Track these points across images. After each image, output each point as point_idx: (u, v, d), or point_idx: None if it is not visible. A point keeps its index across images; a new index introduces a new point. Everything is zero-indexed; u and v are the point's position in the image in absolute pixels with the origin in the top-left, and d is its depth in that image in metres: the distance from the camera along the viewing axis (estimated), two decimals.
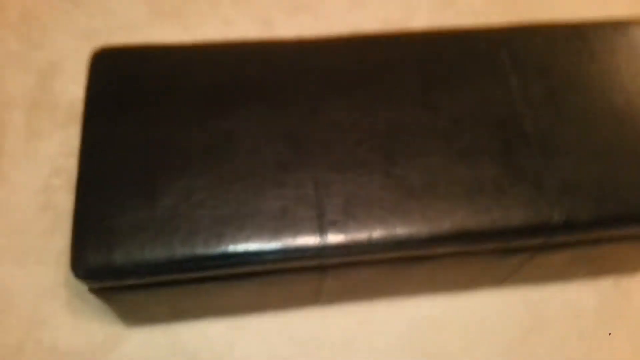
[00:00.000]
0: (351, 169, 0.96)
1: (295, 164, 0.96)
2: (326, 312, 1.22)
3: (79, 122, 1.35)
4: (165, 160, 0.95)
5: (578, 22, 1.21)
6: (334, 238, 0.92)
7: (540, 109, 1.06)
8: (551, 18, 1.23)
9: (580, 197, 0.98)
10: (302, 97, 1.03)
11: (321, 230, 0.92)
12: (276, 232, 0.91)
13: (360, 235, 0.92)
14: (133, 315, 1.10)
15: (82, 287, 1.16)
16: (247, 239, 0.90)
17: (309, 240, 0.91)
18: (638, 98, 1.09)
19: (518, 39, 1.16)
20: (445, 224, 0.94)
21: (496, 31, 1.17)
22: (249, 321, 1.19)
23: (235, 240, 0.90)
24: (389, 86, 1.06)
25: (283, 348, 1.18)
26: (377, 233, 0.93)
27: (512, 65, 1.11)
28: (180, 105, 1.01)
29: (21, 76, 1.48)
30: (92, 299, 1.14)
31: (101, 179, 0.93)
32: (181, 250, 0.88)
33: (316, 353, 1.18)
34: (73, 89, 1.46)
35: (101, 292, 0.94)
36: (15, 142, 1.38)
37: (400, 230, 0.93)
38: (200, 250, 0.89)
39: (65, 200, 1.31)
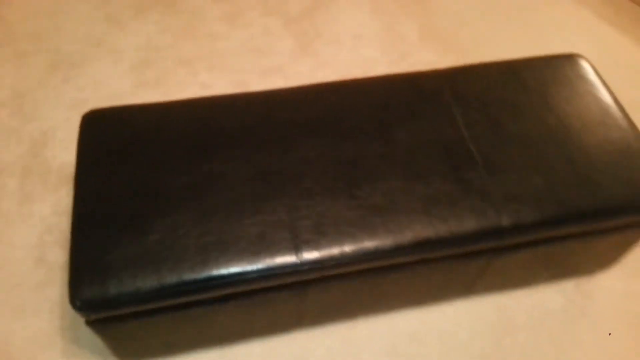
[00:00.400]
0: (319, 194, 1.09)
1: (270, 194, 1.08)
2: (310, 334, 1.29)
3: (70, 184, 1.48)
4: (152, 202, 1.06)
5: (509, 60, 1.39)
6: (309, 255, 1.02)
7: (482, 134, 1.21)
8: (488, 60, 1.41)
9: (523, 204, 1.11)
10: (274, 139, 1.17)
11: (296, 249, 1.02)
12: (256, 254, 1.01)
13: (332, 250, 1.03)
14: (127, 350, 1.17)
15: (77, 335, 1.24)
16: (230, 262, 1.00)
17: (286, 259, 1.02)
18: (566, 118, 1.25)
19: (459, 77, 1.34)
20: (407, 235, 1.06)
21: (439, 73, 1.35)
22: (238, 349, 1.26)
23: (219, 264, 1.00)
24: (350, 125, 1.21)
25: None
26: (347, 247, 1.04)
27: (455, 100, 1.28)
28: (164, 154, 1.13)
29: (14, 146, 1.60)
30: (87, 343, 1.22)
31: (94, 222, 1.03)
32: (170, 277, 0.98)
33: None
34: (63, 154, 1.58)
35: (97, 325, 1.02)
36: (10, 205, 1.48)
37: (368, 243, 1.05)
38: (188, 275, 0.98)
39: (57, 255, 1.39)
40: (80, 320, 1.22)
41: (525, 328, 1.34)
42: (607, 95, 1.31)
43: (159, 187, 1.09)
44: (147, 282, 0.97)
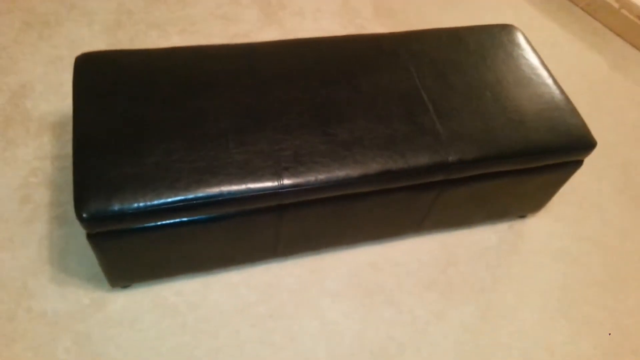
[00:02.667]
0: (296, 130, 1.25)
1: (252, 129, 1.23)
2: (283, 264, 1.46)
3: (52, 131, 1.57)
4: (146, 131, 1.19)
5: (456, 27, 1.61)
6: (288, 180, 1.18)
7: (433, 86, 1.41)
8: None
9: (466, 143, 1.32)
10: (255, 83, 1.32)
11: (277, 175, 1.18)
12: (243, 178, 1.16)
13: (308, 177, 1.20)
14: (118, 271, 1.28)
15: (65, 264, 1.34)
16: (220, 184, 1.14)
17: (268, 183, 1.17)
18: (502, 75, 1.47)
19: (413, 40, 1.54)
20: (372, 167, 1.24)
21: (397, 35, 1.54)
22: (219, 277, 1.41)
23: (211, 185, 1.14)
24: (321, 75, 1.38)
25: (248, 296, 1.40)
26: (321, 175, 1.21)
27: (410, 58, 1.47)
28: (154, 92, 1.26)
29: None
30: (74, 272, 1.32)
31: (94, 146, 1.15)
32: (167, 195, 1.11)
33: (276, 297, 1.41)
34: (44, 105, 1.66)
35: (98, 239, 1.14)
36: None
37: (338, 172, 1.22)
38: (183, 194, 1.12)
39: (43, 195, 1.48)
40: (68, 249, 1.34)
41: (465, 261, 1.56)
42: (536, 59, 1.55)
43: (151, 119, 1.21)
44: (147, 199, 1.10)
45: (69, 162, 1.54)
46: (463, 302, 1.48)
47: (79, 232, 1.34)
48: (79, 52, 1.83)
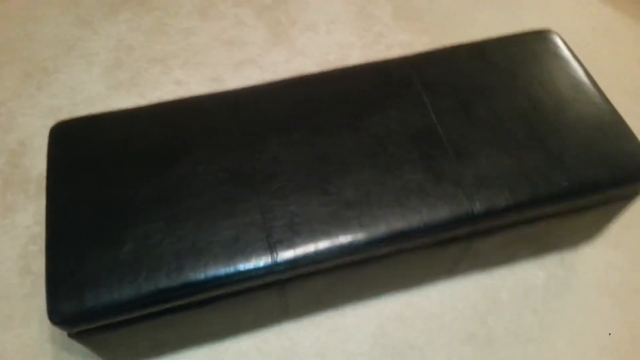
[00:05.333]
0: (291, 193, 1.09)
1: (241, 196, 1.09)
2: (297, 325, 1.32)
3: None
4: (122, 212, 1.07)
5: (477, 41, 1.38)
6: (284, 254, 1.04)
7: (452, 120, 1.21)
8: (463, 40, 1.40)
9: (494, 188, 1.12)
10: (243, 139, 1.17)
11: (271, 249, 1.04)
12: (231, 258, 1.02)
13: (307, 248, 1.04)
14: (116, 355, 1.19)
15: (68, 342, 1.25)
16: (205, 267, 1.01)
17: (261, 260, 1.03)
18: (537, 97, 1.25)
19: (427, 63, 1.33)
20: (381, 229, 1.07)
21: (408, 60, 1.34)
22: (228, 345, 1.29)
23: (195, 270, 1.01)
24: (319, 119, 1.21)
25: None
26: (322, 244, 1.05)
27: (424, 87, 1.27)
28: (132, 162, 1.13)
29: None
30: (78, 350, 1.23)
31: (67, 237, 1.04)
32: (146, 287, 0.99)
33: None
34: (42, 163, 1.58)
35: (80, 336, 1.04)
36: None
37: (342, 239, 1.06)
38: (164, 283, 1.00)
39: (43, 265, 1.40)
40: None
41: (508, 306, 1.37)
42: (578, 70, 1.31)
43: (128, 197, 1.09)
44: (124, 293, 0.98)
45: None
46: (507, 358, 1.29)
47: None
48: (77, 99, 1.76)
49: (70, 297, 0.97)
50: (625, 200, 1.24)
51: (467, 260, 1.28)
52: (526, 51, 1.35)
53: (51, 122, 1.66)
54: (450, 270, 1.33)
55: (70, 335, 1.03)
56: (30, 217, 1.48)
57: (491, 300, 1.38)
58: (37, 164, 1.58)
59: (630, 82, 1.82)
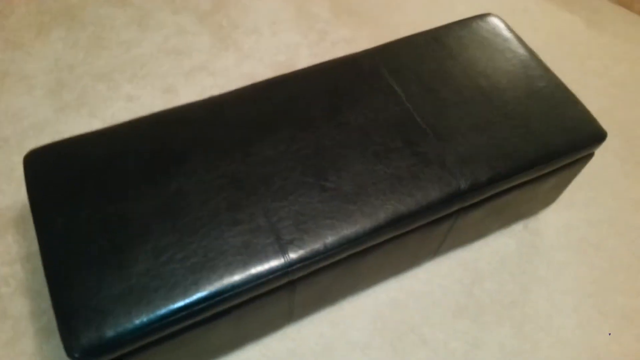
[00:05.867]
0: (292, 192, 1.11)
1: (243, 202, 1.09)
2: (299, 326, 1.33)
3: (15, 228, 1.39)
4: (124, 232, 1.03)
5: (431, 29, 1.47)
6: (295, 254, 1.05)
7: (423, 104, 1.28)
8: (408, 31, 1.48)
9: (476, 165, 1.20)
10: (231, 145, 1.17)
11: (282, 251, 1.05)
12: (245, 264, 1.02)
13: (316, 245, 1.07)
14: None
15: None
16: (221, 277, 1.01)
17: (273, 262, 1.04)
18: (494, 77, 1.35)
19: (390, 53, 1.39)
20: (381, 216, 1.12)
21: (372, 52, 1.40)
22: (233, 357, 1.28)
23: (211, 282, 1.00)
24: (302, 116, 1.23)
25: None
26: (329, 239, 1.08)
27: (392, 76, 1.33)
28: (122, 180, 1.10)
29: None
30: None
31: (69, 266, 0.99)
32: (165, 306, 0.97)
33: None
34: None
35: None
36: None
37: (347, 231, 1.09)
38: (182, 301, 0.98)
39: (20, 305, 1.32)
40: None
41: (489, 275, 1.47)
42: (523, 49, 1.43)
43: (127, 216, 1.06)
44: (143, 316, 0.96)
45: (40, 262, 1.37)
46: (497, 323, 1.39)
47: None
48: (23, 126, 1.65)
49: (88, 329, 0.93)
50: (581, 162, 1.37)
51: (452, 237, 1.35)
52: (474, 34, 1.45)
53: (0, 155, 1.56)
54: (435, 250, 1.41)
55: None
56: None
57: (473, 272, 1.47)
58: None
59: (558, 54, 2.00)
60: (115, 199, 1.07)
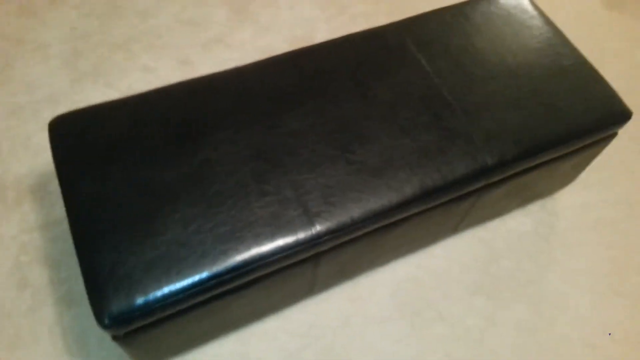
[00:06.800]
0: (318, 165, 1.10)
1: (270, 173, 1.08)
2: (319, 300, 1.34)
3: (32, 196, 1.39)
4: (152, 200, 1.03)
5: (457, 3, 1.44)
6: (322, 227, 1.05)
7: (452, 80, 1.27)
8: (426, 7, 1.45)
9: (503, 141, 1.19)
10: (257, 117, 1.15)
11: (310, 223, 1.04)
12: (273, 235, 1.02)
13: (343, 217, 1.06)
14: (149, 355, 1.15)
15: (85, 351, 1.20)
16: (250, 247, 1.00)
17: (301, 234, 1.04)
18: (520, 53, 1.33)
19: (416, 27, 1.37)
20: (408, 190, 1.11)
21: (398, 25, 1.37)
22: (254, 329, 1.29)
23: (240, 252, 1.00)
24: (327, 89, 1.22)
25: (290, 342, 1.28)
26: (356, 212, 1.07)
27: (418, 49, 1.32)
28: (149, 148, 1.09)
29: None
30: (100, 356, 1.18)
31: (97, 233, 0.99)
32: (194, 274, 0.97)
33: (320, 338, 1.30)
34: (15, 166, 1.46)
35: (125, 338, 0.99)
36: None
37: (374, 204, 1.09)
38: (211, 269, 0.98)
39: (40, 274, 1.32)
40: (83, 332, 1.20)
41: (505, 253, 1.47)
42: (549, 26, 1.41)
43: (154, 184, 1.05)
44: (173, 284, 0.96)
45: (59, 230, 1.37)
46: (513, 300, 1.40)
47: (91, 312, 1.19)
48: (39, 96, 1.63)
49: (117, 296, 0.93)
50: (605, 142, 1.37)
51: (472, 214, 1.35)
52: (500, 10, 1.43)
53: (15, 123, 1.55)
54: (454, 228, 1.41)
55: (116, 338, 0.99)
56: (14, 226, 1.37)
57: (490, 250, 1.47)
58: (11, 168, 1.46)
59: (577, 35, 1.98)
60: (143, 166, 1.06)
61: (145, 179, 1.05)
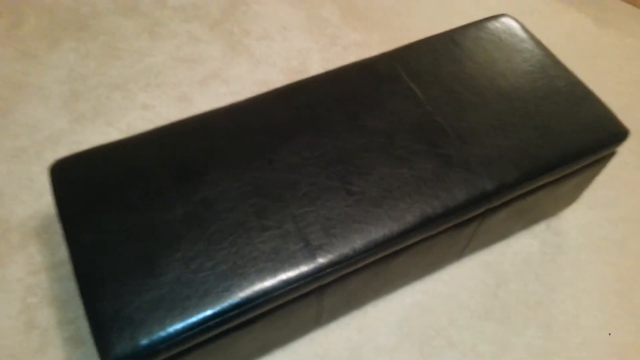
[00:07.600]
0: (318, 198, 1.11)
1: (270, 208, 1.09)
2: (327, 331, 1.33)
3: (37, 238, 1.39)
4: (153, 241, 1.03)
5: (447, 30, 1.47)
6: (324, 259, 1.05)
7: (444, 106, 1.28)
8: (419, 34, 1.47)
9: (501, 166, 1.20)
10: (257, 152, 1.16)
11: (312, 256, 1.04)
12: (275, 270, 1.02)
13: (345, 249, 1.06)
14: None
15: None
16: (252, 284, 1.00)
17: (304, 267, 1.03)
18: (513, 77, 1.35)
19: (407, 56, 1.39)
20: (409, 218, 1.11)
21: (389, 55, 1.39)
22: None
23: (242, 289, 1.00)
24: (322, 122, 1.23)
25: None
26: (358, 243, 1.07)
27: (410, 79, 1.33)
28: (149, 189, 1.10)
29: None
30: None
31: (101, 276, 0.99)
32: (197, 314, 0.97)
33: None
34: (19, 209, 1.47)
35: None
36: None
37: (375, 234, 1.09)
38: (214, 308, 0.98)
39: (47, 315, 1.31)
40: None
41: (513, 276, 1.46)
42: (540, 49, 1.43)
43: (155, 225, 1.05)
44: (176, 324, 0.95)
45: (65, 270, 1.37)
46: (523, 325, 1.38)
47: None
48: (40, 137, 1.65)
49: (122, 338, 0.93)
50: (604, 160, 1.37)
51: (477, 238, 1.35)
52: (491, 35, 1.45)
53: (18, 166, 1.56)
54: (459, 253, 1.40)
55: None
56: (20, 268, 1.37)
57: (497, 273, 1.46)
58: (14, 211, 1.47)
59: (568, 53, 2.00)
60: (143, 208, 1.07)
61: (145, 221, 1.05)
